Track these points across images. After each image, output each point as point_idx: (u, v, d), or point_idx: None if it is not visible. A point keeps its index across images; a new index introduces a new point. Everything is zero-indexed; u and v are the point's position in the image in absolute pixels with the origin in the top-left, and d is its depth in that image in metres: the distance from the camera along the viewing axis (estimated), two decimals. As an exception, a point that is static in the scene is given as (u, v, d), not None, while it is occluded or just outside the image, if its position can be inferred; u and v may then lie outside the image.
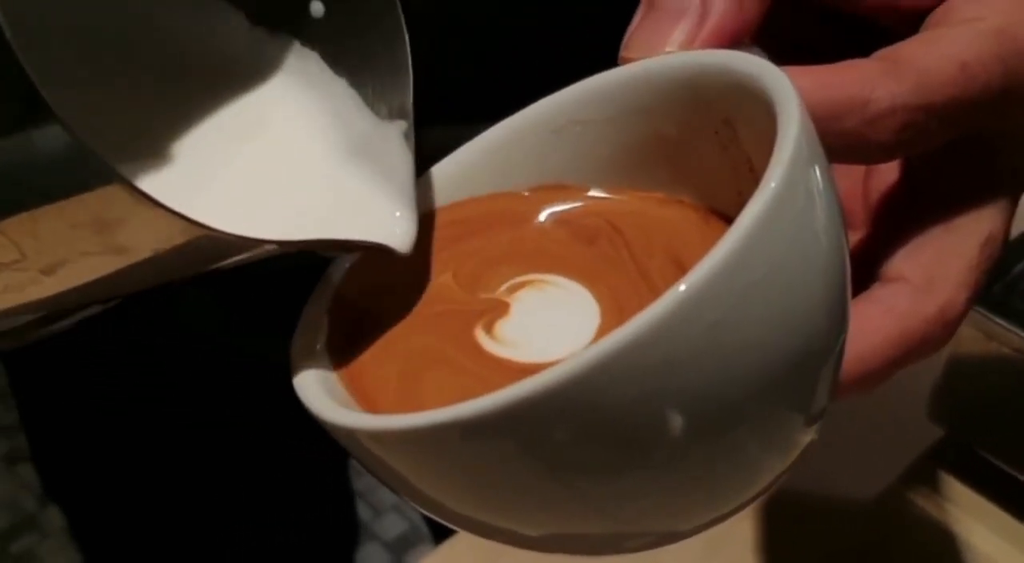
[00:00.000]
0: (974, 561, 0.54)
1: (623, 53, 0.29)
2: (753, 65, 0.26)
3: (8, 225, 0.22)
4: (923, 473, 0.57)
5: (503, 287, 0.30)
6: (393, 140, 0.30)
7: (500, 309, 0.29)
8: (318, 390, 0.26)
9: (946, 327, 0.28)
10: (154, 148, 0.28)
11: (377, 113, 0.31)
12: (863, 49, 0.29)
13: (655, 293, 0.28)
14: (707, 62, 0.27)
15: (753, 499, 0.26)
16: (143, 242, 0.23)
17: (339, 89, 0.31)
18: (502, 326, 0.28)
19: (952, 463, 0.57)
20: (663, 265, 0.29)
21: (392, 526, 1.21)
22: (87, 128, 0.21)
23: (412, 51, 0.29)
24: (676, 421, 0.22)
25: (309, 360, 0.27)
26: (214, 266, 0.27)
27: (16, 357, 0.73)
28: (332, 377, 0.27)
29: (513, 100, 0.31)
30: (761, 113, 0.25)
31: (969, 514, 0.55)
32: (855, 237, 0.32)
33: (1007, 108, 0.28)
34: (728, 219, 0.29)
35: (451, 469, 0.23)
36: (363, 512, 0.80)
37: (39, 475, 0.84)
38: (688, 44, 0.28)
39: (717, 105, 0.27)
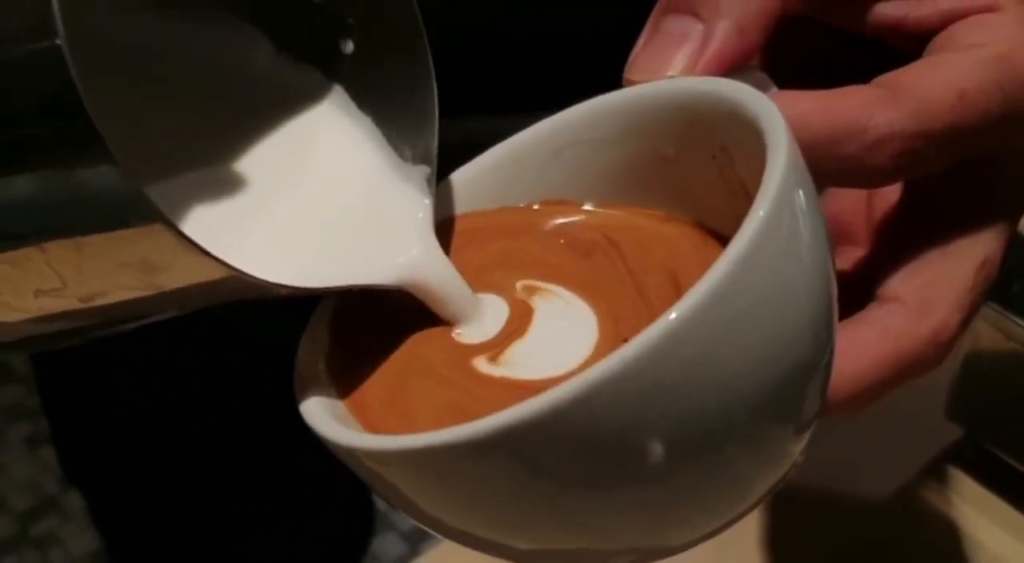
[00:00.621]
0: (988, 562, 0.54)
1: (627, 75, 0.29)
2: (744, 94, 0.26)
3: (53, 254, 0.23)
4: (939, 472, 0.57)
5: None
6: (414, 185, 0.30)
7: None
8: (317, 407, 0.26)
9: (939, 349, 0.29)
10: (193, 190, 0.28)
11: (400, 154, 0.31)
12: (870, 68, 0.29)
13: (651, 310, 0.28)
14: (705, 90, 0.27)
15: (743, 514, 0.26)
16: (183, 281, 0.24)
17: (364, 127, 0.31)
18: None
19: (969, 463, 0.57)
20: (660, 281, 0.29)
21: (409, 517, 1.21)
22: (133, 167, 0.21)
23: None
24: (664, 444, 0.23)
25: (310, 375, 0.28)
26: (235, 299, 0.27)
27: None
28: (332, 392, 0.28)
29: (525, 94, 0.31)
30: (753, 141, 0.25)
31: (984, 514, 0.55)
32: (856, 253, 0.33)
33: (1006, 135, 0.29)
34: (725, 240, 0.29)
35: (444, 487, 0.24)
36: (380, 502, 0.81)
37: (60, 459, 0.85)
38: (690, 69, 0.28)
39: (714, 132, 0.28)
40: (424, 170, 0.30)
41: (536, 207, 0.32)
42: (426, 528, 0.26)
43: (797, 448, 0.26)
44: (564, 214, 0.31)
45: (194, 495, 0.76)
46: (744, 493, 0.26)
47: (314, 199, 0.30)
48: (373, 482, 0.26)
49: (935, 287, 0.29)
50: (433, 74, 0.29)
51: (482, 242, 0.31)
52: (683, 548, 0.26)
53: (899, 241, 0.30)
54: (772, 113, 0.25)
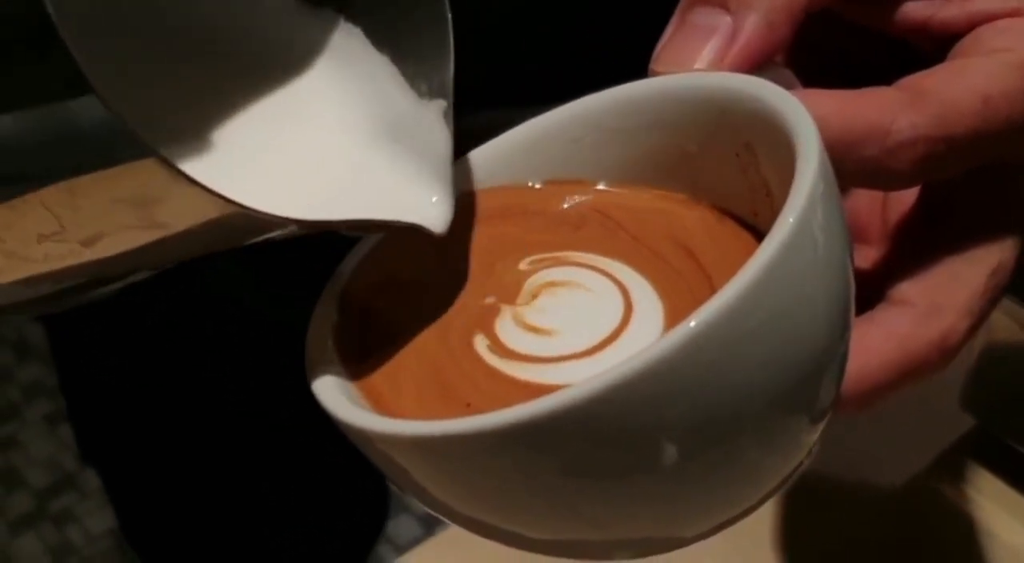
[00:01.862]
0: (1001, 553, 0.54)
1: (653, 66, 0.29)
2: (779, 98, 0.26)
3: (48, 196, 0.23)
4: (953, 463, 0.57)
5: (513, 273, 0.30)
6: (432, 119, 0.30)
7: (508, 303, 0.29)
8: (328, 385, 0.26)
9: (945, 353, 0.29)
10: (192, 126, 0.28)
11: (417, 90, 0.30)
12: (894, 67, 0.29)
13: (679, 274, 0.28)
14: (735, 87, 0.27)
15: (756, 505, 0.26)
16: (180, 218, 0.24)
17: (381, 66, 0.31)
18: (505, 328, 0.28)
19: (982, 454, 0.57)
20: (674, 250, 0.29)
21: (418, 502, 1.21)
22: (126, 105, 0.21)
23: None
24: (680, 440, 0.23)
25: (321, 356, 0.28)
26: (248, 241, 0.27)
27: (56, 321, 0.74)
28: (341, 371, 0.28)
29: (551, 86, 0.31)
30: (782, 146, 0.25)
31: (998, 505, 0.55)
32: (869, 252, 0.32)
33: None
34: (742, 223, 0.29)
35: (455, 475, 0.24)
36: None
37: (76, 437, 0.85)
38: (717, 62, 0.28)
39: (740, 130, 0.27)
40: (440, 104, 0.30)
41: (538, 186, 0.32)
42: (435, 514, 0.27)
43: (811, 440, 0.26)
44: (576, 193, 0.31)
45: (209, 475, 0.77)
46: (757, 484, 0.26)
47: (326, 140, 0.30)
48: (383, 465, 0.26)
49: (945, 291, 0.29)
50: (447, 4, 0.29)
51: (494, 221, 0.31)
52: (696, 539, 0.26)
53: (913, 243, 0.30)
54: (803, 117, 0.25)
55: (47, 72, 0.21)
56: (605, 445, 0.23)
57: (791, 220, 0.23)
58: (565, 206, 0.31)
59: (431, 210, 0.28)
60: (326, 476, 0.74)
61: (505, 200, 0.31)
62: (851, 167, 0.27)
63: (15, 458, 1.60)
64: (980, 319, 0.29)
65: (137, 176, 0.22)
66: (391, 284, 0.30)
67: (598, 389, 0.21)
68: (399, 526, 1.37)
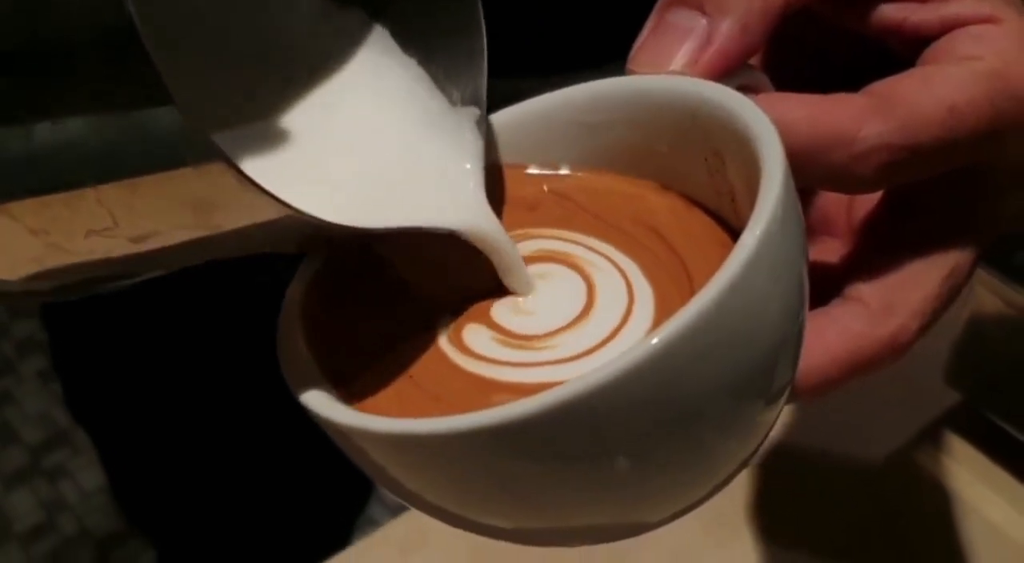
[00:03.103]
0: (982, 528, 0.54)
1: (629, 65, 0.30)
2: (750, 112, 0.26)
3: (106, 193, 0.23)
4: (937, 438, 0.57)
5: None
6: (465, 125, 0.30)
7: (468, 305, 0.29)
8: (301, 376, 0.27)
9: (895, 352, 0.29)
10: (247, 136, 0.28)
11: (449, 97, 0.30)
12: (871, 68, 0.29)
13: (639, 244, 0.29)
14: (708, 96, 0.28)
15: (717, 489, 0.27)
16: (237, 221, 0.24)
17: (410, 69, 0.31)
18: (470, 328, 0.29)
19: (966, 429, 0.57)
20: (644, 233, 0.30)
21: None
22: (196, 112, 0.21)
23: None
24: (642, 441, 0.24)
25: (292, 343, 0.28)
26: (286, 243, 0.27)
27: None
28: (311, 361, 0.28)
29: (577, 53, 0.31)
30: (749, 159, 0.26)
31: (981, 480, 0.55)
32: (834, 245, 0.33)
33: (993, 150, 0.29)
34: (706, 210, 0.30)
35: (424, 471, 0.25)
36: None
37: (65, 395, 0.86)
38: (692, 65, 0.28)
39: (711, 136, 0.28)
40: (474, 112, 0.30)
41: (497, 170, 0.32)
42: (401, 500, 0.27)
43: (767, 428, 0.27)
44: (527, 177, 0.32)
45: (200, 434, 0.77)
46: (718, 470, 0.26)
47: (357, 149, 0.30)
48: (355, 457, 0.27)
49: (900, 292, 0.29)
50: (481, 12, 0.29)
51: None
52: (661, 523, 0.27)
53: (874, 240, 0.31)
54: (771, 135, 0.26)
55: (119, 78, 0.21)
56: (573, 446, 0.23)
57: (752, 242, 0.23)
58: (521, 190, 0.31)
59: (464, 214, 0.29)
60: (318, 436, 0.74)
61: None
62: (817, 171, 0.27)
63: (8, 414, 1.61)
64: (932, 320, 0.30)
65: (201, 180, 0.22)
66: (356, 273, 0.30)
67: (566, 397, 0.22)
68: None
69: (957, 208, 0.30)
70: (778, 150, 0.25)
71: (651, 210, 0.30)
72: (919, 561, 0.53)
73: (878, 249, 0.30)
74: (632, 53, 0.30)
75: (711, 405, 0.24)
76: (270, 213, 0.23)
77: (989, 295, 0.51)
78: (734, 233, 0.28)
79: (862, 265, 0.30)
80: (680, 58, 0.28)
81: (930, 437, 0.57)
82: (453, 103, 0.30)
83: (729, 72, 0.29)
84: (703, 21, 0.28)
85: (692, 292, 0.27)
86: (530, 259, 0.30)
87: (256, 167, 0.27)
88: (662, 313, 0.27)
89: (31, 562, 1.45)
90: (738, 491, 0.56)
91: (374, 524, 0.59)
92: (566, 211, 0.31)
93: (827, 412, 0.59)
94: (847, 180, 0.28)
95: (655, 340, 0.22)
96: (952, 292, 0.30)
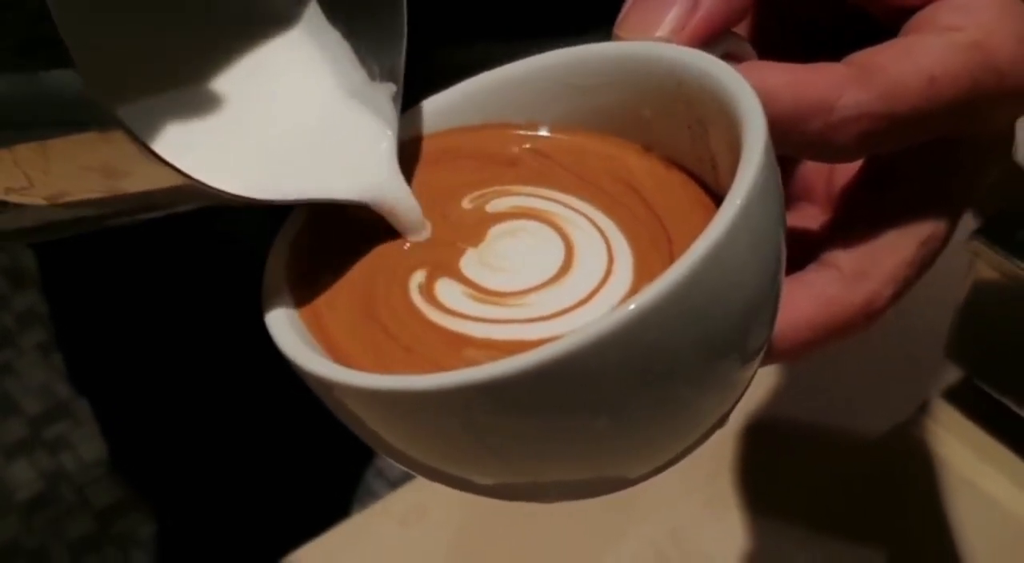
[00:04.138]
0: (981, 503, 0.54)
1: (616, 30, 0.30)
2: (734, 83, 0.27)
3: (21, 154, 0.23)
4: (937, 412, 0.57)
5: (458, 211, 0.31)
6: (382, 100, 0.30)
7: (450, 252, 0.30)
8: (287, 330, 0.27)
9: (868, 317, 0.30)
10: (158, 102, 0.29)
11: (368, 70, 0.31)
12: (854, 37, 0.29)
13: (616, 201, 0.30)
14: (694, 65, 0.28)
15: (695, 445, 0.27)
16: (143, 187, 0.24)
17: (334, 39, 0.31)
18: (443, 282, 0.29)
19: (966, 404, 0.57)
20: (621, 190, 0.30)
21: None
22: (97, 74, 0.21)
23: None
24: (624, 399, 0.24)
25: (277, 297, 0.28)
26: (201, 205, 0.27)
27: (48, 250, 0.74)
28: (295, 314, 0.28)
29: (545, 19, 0.31)
30: (732, 129, 0.26)
31: (980, 456, 0.56)
32: (813, 211, 0.33)
33: (972, 121, 0.29)
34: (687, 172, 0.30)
35: (408, 427, 0.26)
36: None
37: (67, 365, 0.86)
38: (679, 31, 0.29)
39: (694, 105, 0.28)
40: (390, 87, 0.30)
41: (475, 129, 0.32)
42: (383, 454, 0.28)
43: (743, 386, 0.27)
44: (507, 136, 0.32)
45: (200, 404, 0.77)
46: (696, 426, 0.27)
47: (277, 116, 0.30)
48: (336, 410, 0.27)
49: (874, 258, 0.30)
50: None
51: (422, 167, 0.32)
52: (640, 480, 0.27)
53: (851, 207, 0.31)
54: (755, 107, 0.26)
55: (28, 39, 0.21)
56: (553, 405, 0.24)
57: (732, 211, 0.24)
58: (500, 148, 0.32)
59: (374, 189, 0.29)
60: (317, 406, 0.74)
61: (440, 145, 0.32)
62: (797, 139, 0.28)
63: (9, 385, 1.61)
64: (905, 286, 0.30)
65: (106, 146, 0.22)
66: (339, 232, 0.30)
67: (549, 357, 0.23)
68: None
69: (934, 178, 0.30)
70: (761, 121, 0.26)
71: (630, 170, 0.30)
72: (919, 535, 0.53)
73: (855, 216, 0.31)
74: (619, 18, 0.30)
75: (690, 366, 0.25)
76: (173, 181, 0.23)
77: (990, 270, 0.51)
78: (715, 198, 0.29)
79: (839, 232, 0.30)
80: (667, 24, 0.29)
81: (930, 412, 0.57)
82: (372, 77, 0.31)
83: (715, 38, 0.29)
84: None
85: (671, 255, 0.28)
86: (506, 215, 0.30)
87: (169, 135, 0.28)
88: (641, 276, 0.28)
89: (31, 532, 1.46)
90: (738, 465, 0.56)
91: (374, 496, 0.59)
92: (545, 168, 0.31)
93: (828, 386, 0.60)
94: (826, 148, 0.28)
95: (633, 306, 0.23)
96: (926, 260, 0.30)
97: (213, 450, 0.81)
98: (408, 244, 0.30)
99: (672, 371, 0.24)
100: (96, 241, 0.64)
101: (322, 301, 0.29)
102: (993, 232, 0.50)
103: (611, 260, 0.28)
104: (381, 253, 0.30)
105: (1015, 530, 0.53)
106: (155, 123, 0.28)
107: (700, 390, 0.26)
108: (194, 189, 0.24)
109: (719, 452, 0.56)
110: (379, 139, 0.30)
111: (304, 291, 0.29)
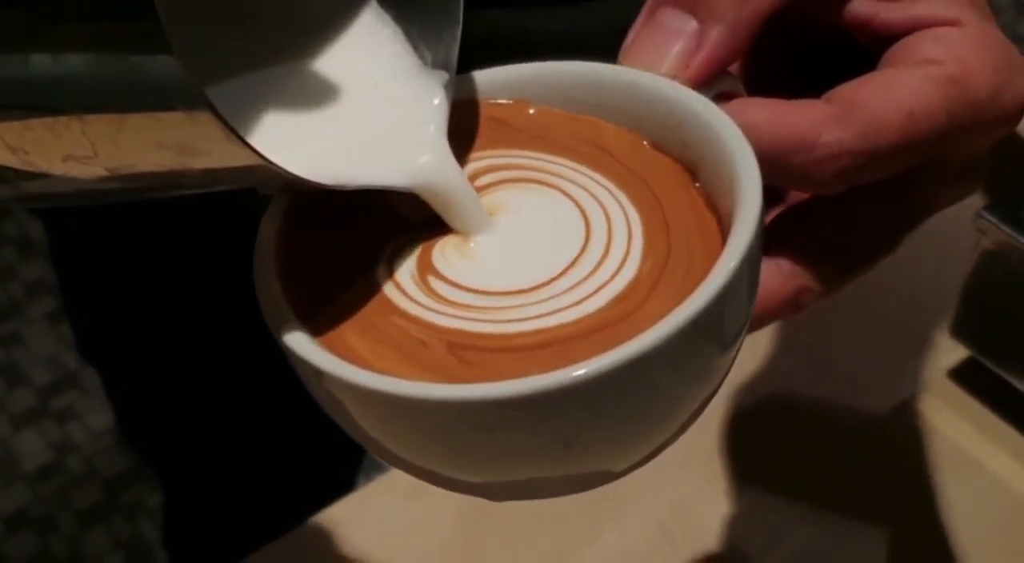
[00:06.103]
0: (985, 482, 0.54)
1: (621, 60, 0.31)
2: (734, 139, 0.28)
3: (93, 125, 0.23)
4: (942, 391, 0.57)
5: None
6: (435, 86, 0.30)
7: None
8: (279, 315, 0.28)
9: (795, 309, 0.31)
10: (231, 87, 0.29)
11: (421, 56, 0.31)
12: (843, 58, 0.31)
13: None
14: (697, 112, 0.29)
15: (680, 432, 0.28)
16: (213, 165, 0.24)
17: (391, 26, 0.32)
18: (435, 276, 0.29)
19: (972, 383, 0.57)
20: (593, 152, 0.31)
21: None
22: (191, 60, 0.22)
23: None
24: (605, 426, 0.26)
25: (266, 277, 0.29)
26: (254, 185, 0.28)
27: (56, 219, 0.74)
28: (284, 301, 0.28)
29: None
30: (726, 177, 0.28)
31: (985, 435, 0.56)
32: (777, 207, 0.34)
33: (942, 150, 0.30)
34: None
35: (406, 430, 0.26)
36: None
37: (74, 335, 0.86)
38: (682, 67, 0.30)
39: (691, 145, 0.30)
40: (443, 75, 0.30)
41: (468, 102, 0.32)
42: (368, 449, 0.29)
43: (725, 370, 0.28)
44: (497, 109, 0.33)
45: (207, 376, 0.78)
46: (676, 414, 0.28)
47: (345, 99, 0.30)
48: (323, 401, 0.28)
49: (812, 259, 0.31)
50: None
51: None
52: (625, 473, 0.28)
53: (808, 210, 0.32)
54: (752, 168, 0.27)
55: (123, 23, 0.22)
56: (548, 424, 0.25)
57: (726, 276, 0.25)
58: (489, 112, 0.32)
59: (420, 178, 0.29)
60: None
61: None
62: (780, 174, 0.29)
63: (17, 355, 1.62)
64: (840, 287, 0.32)
65: (189, 126, 0.22)
66: (328, 201, 0.30)
67: (543, 387, 0.24)
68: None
69: (886, 194, 0.31)
70: (757, 181, 0.27)
71: (605, 138, 0.31)
72: (922, 513, 0.54)
73: (803, 212, 0.32)
74: (623, 48, 0.31)
75: (675, 394, 0.26)
76: (247, 162, 0.24)
77: (995, 249, 0.51)
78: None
79: (787, 224, 0.32)
80: (671, 60, 0.30)
81: (935, 391, 0.57)
82: (425, 63, 0.31)
83: (714, 78, 0.30)
84: (693, 24, 0.30)
85: (668, 248, 0.28)
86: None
87: (241, 118, 0.28)
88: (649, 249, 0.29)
89: (39, 501, 1.47)
90: (741, 443, 0.56)
91: (379, 469, 0.59)
92: (542, 132, 0.32)
93: (832, 364, 0.60)
94: (808, 182, 0.29)
95: (631, 350, 0.24)
96: (865, 269, 0.32)
97: (221, 421, 0.81)
98: (396, 224, 0.30)
99: (656, 395, 0.26)
100: (105, 212, 0.64)
101: (310, 281, 0.29)
102: (999, 210, 0.50)
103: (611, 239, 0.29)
104: (369, 226, 0.30)
105: (1018, 507, 0.54)
106: (226, 107, 0.28)
107: (682, 402, 0.27)
108: (266, 171, 0.24)
109: (722, 429, 0.56)
110: (430, 127, 0.30)
111: (296, 272, 0.29)
